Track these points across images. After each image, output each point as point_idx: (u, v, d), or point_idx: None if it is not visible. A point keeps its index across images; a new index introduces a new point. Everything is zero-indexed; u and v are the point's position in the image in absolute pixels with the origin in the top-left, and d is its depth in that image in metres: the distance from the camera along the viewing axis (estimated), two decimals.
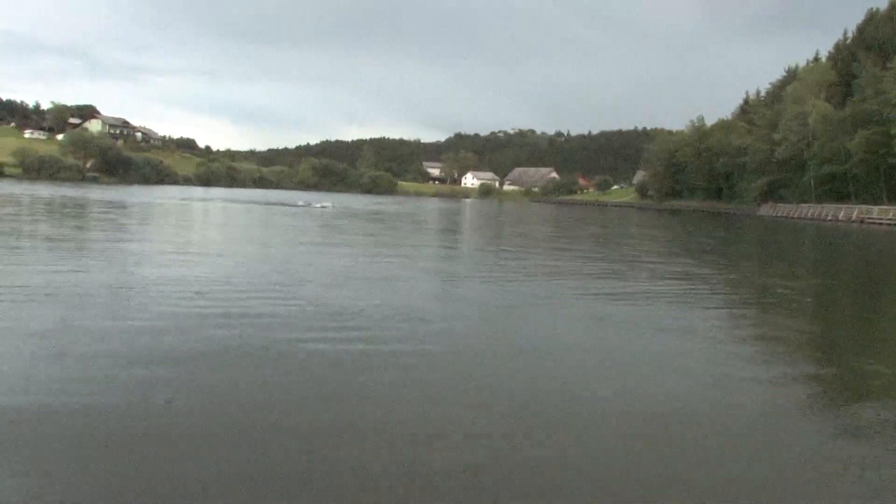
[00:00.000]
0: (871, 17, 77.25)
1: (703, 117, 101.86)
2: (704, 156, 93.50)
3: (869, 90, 64.11)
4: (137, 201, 33.92)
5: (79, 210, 24.54)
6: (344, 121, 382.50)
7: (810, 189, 71.23)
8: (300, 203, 37.92)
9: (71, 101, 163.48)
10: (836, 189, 67.31)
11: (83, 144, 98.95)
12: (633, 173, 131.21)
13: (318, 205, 36.86)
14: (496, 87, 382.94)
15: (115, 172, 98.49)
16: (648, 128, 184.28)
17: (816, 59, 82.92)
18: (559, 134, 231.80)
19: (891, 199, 61.68)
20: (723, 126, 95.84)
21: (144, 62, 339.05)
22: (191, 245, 12.42)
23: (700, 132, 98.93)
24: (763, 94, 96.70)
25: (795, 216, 66.28)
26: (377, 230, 22.37)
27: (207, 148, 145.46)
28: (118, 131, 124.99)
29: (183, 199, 39.25)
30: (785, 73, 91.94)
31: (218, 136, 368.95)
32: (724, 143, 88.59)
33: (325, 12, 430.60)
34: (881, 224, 49.89)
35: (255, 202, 40.84)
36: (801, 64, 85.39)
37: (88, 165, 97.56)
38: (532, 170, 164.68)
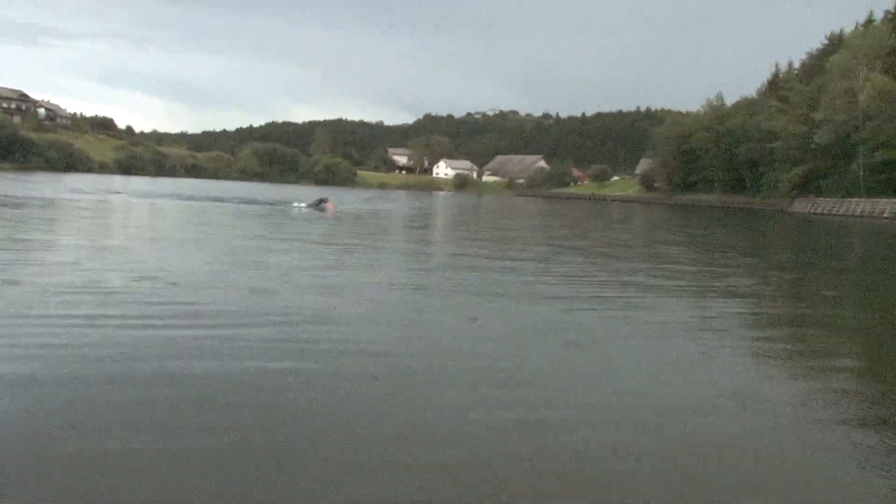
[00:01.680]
0: None
1: (722, 95, 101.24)
2: (724, 141, 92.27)
3: None
4: (39, 196, 30.08)
5: None
6: (293, 99, 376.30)
7: (858, 180, 68.63)
8: (299, 205, 33.48)
9: None
10: (893, 180, 64.37)
11: None
12: (637, 162, 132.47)
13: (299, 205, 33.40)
14: (472, 60, 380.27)
15: (9, 157, 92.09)
16: (654, 108, 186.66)
17: (870, 21, 79.39)
18: (547, 116, 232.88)
19: None
20: (747, 105, 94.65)
21: (46, 22, 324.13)
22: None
23: (719, 113, 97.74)
24: (797, 66, 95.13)
25: (840, 212, 63.17)
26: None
27: (129, 129, 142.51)
28: (13, 105, 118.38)
29: (107, 195, 35.45)
30: (826, 41, 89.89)
31: (142, 115, 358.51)
32: (748, 125, 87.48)
33: None
34: None
35: (218, 200, 36.73)
36: (849, 28, 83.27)
37: None
38: (516, 158, 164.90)
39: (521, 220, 34.33)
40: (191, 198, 37.25)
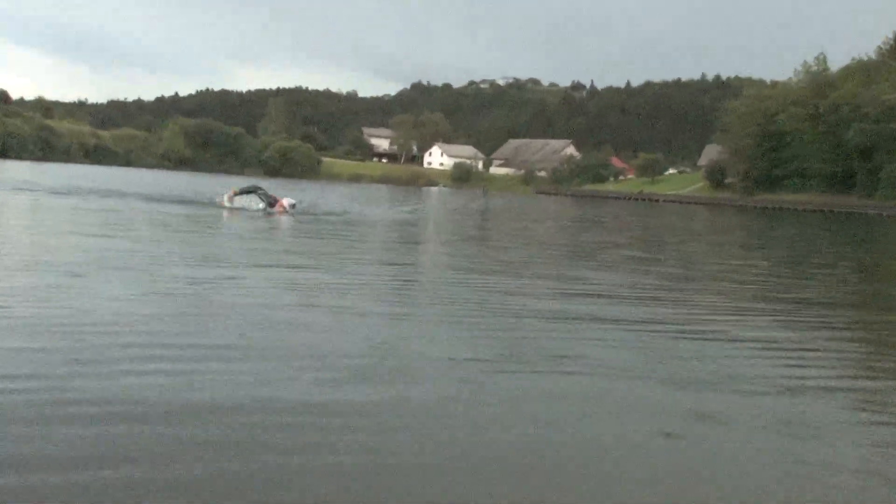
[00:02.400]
0: None
1: (824, 57, 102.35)
2: (826, 120, 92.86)
3: None
4: None
5: None
6: (235, 59, 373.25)
7: None
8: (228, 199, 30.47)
9: None
10: None
11: None
12: (700, 150, 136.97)
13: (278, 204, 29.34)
14: (477, 10, 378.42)
15: None
16: (726, 76, 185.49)
17: None
18: (578, 86, 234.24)
19: None
20: (860, 70, 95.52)
21: None
22: None
23: (819, 81, 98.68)
24: None
25: None
26: None
27: (3, 95, 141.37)
28: None
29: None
30: None
31: (19, 75, 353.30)
32: (861, 98, 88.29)
33: None
34: None
35: (121, 195, 33.91)
36: None
37: None
38: (537, 142, 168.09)
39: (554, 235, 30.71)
40: (74, 192, 33.79)
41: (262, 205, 27.68)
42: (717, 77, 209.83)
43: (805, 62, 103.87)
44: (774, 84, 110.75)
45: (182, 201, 32.64)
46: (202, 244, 16.83)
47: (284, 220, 25.29)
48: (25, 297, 8.94)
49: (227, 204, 28.10)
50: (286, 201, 28.42)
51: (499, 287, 12.03)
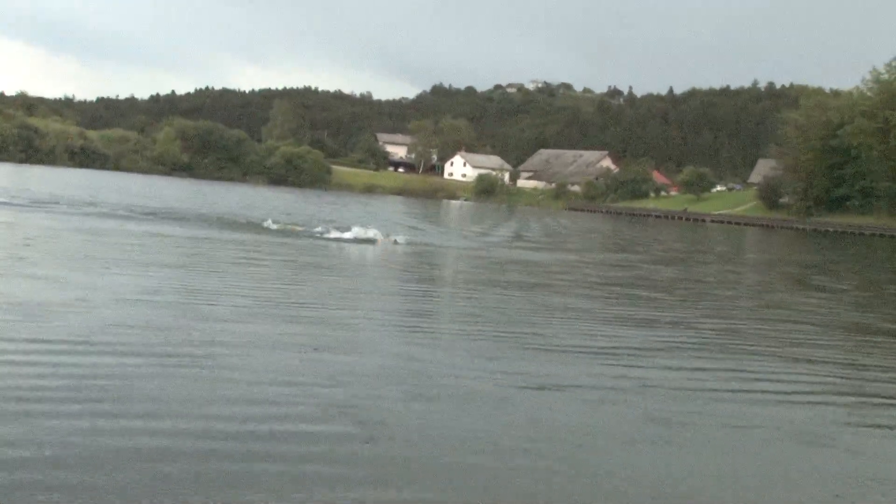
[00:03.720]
0: None
1: None
2: None
3: None
4: None
5: None
6: (239, 56, 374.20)
7: None
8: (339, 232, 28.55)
9: None
10: None
11: None
12: (752, 165, 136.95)
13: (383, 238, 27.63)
14: (505, 9, 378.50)
15: None
16: (781, 84, 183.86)
17: None
18: (615, 92, 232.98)
19: None
20: None
21: None
22: None
23: (889, 91, 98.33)
24: None
25: None
26: None
27: None
28: None
29: None
30: None
31: (1, 70, 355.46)
32: None
33: None
34: None
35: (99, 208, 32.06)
36: None
37: None
38: (569, 154, 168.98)
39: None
40: (44, 205, 31.18)
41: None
42: (771, 85, 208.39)
43: (874, 69, 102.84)
44: (837, 93, 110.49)
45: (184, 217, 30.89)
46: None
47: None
48: None
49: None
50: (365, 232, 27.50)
51: None
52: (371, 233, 26.54)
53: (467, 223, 52.84)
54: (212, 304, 11.56)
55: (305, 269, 18.31)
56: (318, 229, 28.44)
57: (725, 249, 44.52)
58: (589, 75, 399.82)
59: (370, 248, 24.06)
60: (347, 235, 26.28)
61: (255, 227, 28.74)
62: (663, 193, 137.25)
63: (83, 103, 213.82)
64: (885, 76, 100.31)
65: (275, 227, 29.34)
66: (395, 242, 26.36)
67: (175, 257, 18.10)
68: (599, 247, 39.23)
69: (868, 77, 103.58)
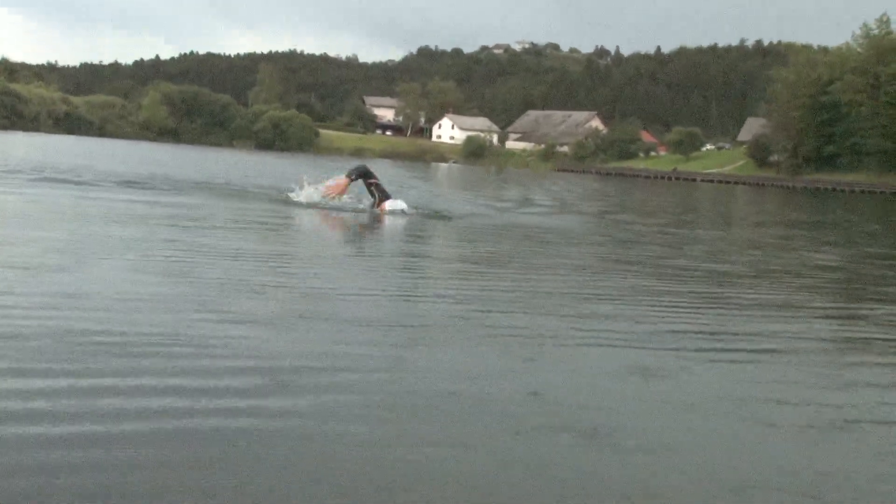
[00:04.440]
0: None
1: (888, 19, 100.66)
2: (889, 90, 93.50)
3: None
4: None
5: None
6: (223, 21, 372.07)
7: None
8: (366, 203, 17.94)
9: None
10: None
11: None
12: (741, 124, 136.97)
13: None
14: None
15: None
16: (768, 42, 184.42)
17: None
18: (603, 52, 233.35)
19: None
20: None
21: None
22: None
23: (880, 46, 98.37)
24: None
25: None
26: None
27: None
28: None
29: None
30: None
31: None
32: None
33: None
34: None
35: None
36: None
37: None
38: (557, 115, 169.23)
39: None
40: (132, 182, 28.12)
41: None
42: (759, 42, 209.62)
43: (865, 24, 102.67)
44: (827, 49, 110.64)
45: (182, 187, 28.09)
46: None
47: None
48: None
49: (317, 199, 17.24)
50: (395, 205, 17.09)
51: None
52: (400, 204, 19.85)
53: (476, 188, 50.79)
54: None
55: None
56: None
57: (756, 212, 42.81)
58: (575, 35, 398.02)
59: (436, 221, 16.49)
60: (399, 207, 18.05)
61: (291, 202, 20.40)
62: (652, 153, 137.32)
63: (66, 69, 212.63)
64: (876, 32, 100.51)
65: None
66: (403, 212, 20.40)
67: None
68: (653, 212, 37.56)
69: (858, 33, 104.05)
